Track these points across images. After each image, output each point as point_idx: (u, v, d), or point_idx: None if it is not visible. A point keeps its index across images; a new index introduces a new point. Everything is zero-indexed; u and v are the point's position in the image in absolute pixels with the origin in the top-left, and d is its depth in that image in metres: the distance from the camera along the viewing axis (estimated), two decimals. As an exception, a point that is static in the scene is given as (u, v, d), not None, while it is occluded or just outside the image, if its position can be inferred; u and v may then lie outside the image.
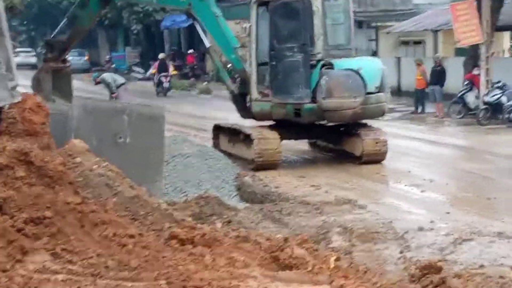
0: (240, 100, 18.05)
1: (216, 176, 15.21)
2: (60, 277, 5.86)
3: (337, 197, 13.05)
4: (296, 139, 18.66)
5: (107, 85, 30.65)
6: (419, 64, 29.30)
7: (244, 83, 17.73)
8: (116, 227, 7.30)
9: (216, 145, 18.66)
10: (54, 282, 5.71)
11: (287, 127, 17.31)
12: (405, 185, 14.51)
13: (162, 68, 41.39)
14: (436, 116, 27.27)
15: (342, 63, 16.82)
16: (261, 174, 15.47)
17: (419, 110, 28.79)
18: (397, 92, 35.90)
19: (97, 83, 33.26)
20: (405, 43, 39.33)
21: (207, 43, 17.93)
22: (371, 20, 40.86)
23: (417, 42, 38.63)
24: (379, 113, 17.41)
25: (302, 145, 19.75)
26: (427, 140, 21.40)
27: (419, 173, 15.65)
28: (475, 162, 17.47)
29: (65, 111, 11.85)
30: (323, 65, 16.77)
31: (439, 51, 35.05)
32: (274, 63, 16.90)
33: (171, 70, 46.03)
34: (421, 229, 10.88)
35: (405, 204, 12.91)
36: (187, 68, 52.62)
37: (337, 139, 18.18)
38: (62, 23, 19.17)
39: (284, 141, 18.47)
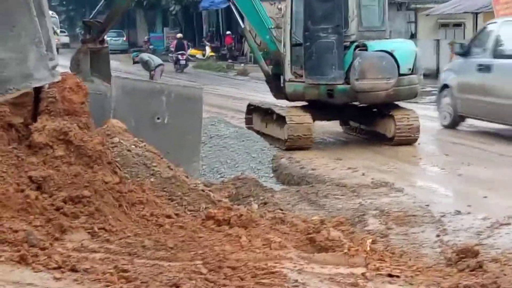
0: (274, 81, 18.13)
1: (253, 158, 15.27)
2: (98, 255, 5.92)
3: (374, 179, 13.01)
4: (328, 120, 18.72)
5: (145, 63, 30.67)
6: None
7: (278, 64, 17.81)
8: (153, 207, 7.36)
9: (249, 125, 18.81)
10: (92, 261, 5.77)
11: (319, 108, 17.39)
12: (442, 169, 14.43)
13: (180, 47, 45.88)
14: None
15: (375, 45, 16.87)
16: (297, 156, 15.47)
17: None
18: (436, 74, 35.64)
19: (135, 62, 33.50)
20: (445, 25, 38.98)
21: (242, 24, 18.01)
22: (410, 2, 40.55)
23: (457, 25, 38.26)
24: (411, 95, 17.39)
25: (339, 127, 19.71)
26: (465, 123, 21.23)
27: (456, 157, 15.55)
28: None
29: (104, 91, 11.94)
30: (356, 47, 16.85)
31: (479, 33, 34.69)
32: (308, 44, 16.93)
33: (209, 51, 46.41)
34: (458, 212, 10.82)
35: (442, 188, 12.84)
36: (225, 50, 52.67)
37: (369, 120, 18.25)
38: (100, 4, 19.22)
39: (321, 123, 18.64)
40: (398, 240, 9.34)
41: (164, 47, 58.05)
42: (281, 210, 9.80)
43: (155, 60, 30.60)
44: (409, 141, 16.98)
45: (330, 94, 16.92)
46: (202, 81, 35.52)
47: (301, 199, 11.74)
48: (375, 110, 17.85)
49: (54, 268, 5.43)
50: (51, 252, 5.70)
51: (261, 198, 11.59)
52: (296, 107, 17.64)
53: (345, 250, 7.03)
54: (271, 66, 18.36)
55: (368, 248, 7.56)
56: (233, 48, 52.44)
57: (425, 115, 22.56)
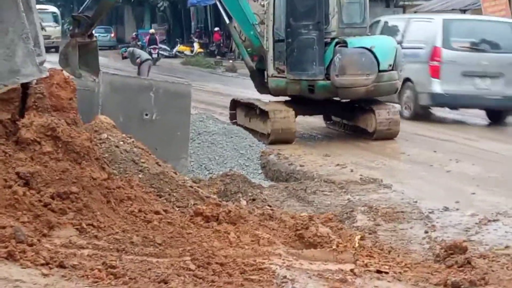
0: (258, 76, 18.37)
1: (241, 154, 15.26)
2: (86, 252, 5.91)
3: (362, 176, 13.02)
4: (310, 115, 18.99)
5: (133, 56, 30.52)
6: None
7: (262, 60, 18.06)
8: (141, 203, 7.34)
9: (233, 119, 18.96)
10: (80, 257, 5.76)
11: (302, 103, 17.67)
12: (431, 165, 14.46)
13: (152, 41, 48.29)
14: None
15: (355, 41, 17.09)
16: (286, 153, 15.47)
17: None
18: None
19: (124, 57, 33.51)
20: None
21: (227, 20, 18.18)
22: (399, -1, 40.64)
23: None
24: (391, 91, 17.69)
25: (326, 123, 19.77)
26: (453, 120, 21.29)
27: (444, 153, 15.57)
28: (502, 142, 17.37)
29: (92, 87, 11.90)
30: (337, 43, 17.07)
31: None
32: (289, 40, 17.22)
33: (197, 48, 46.56)
34: (446, 209, 10.84)
35: (430, 184, 12.86)
36: (213, 46, 52.63)
37: (350, 115, 18.51)
38: (86, 3, 19.28)
39: (308, 120, 18.99)
40: (386, 237, 9.35)
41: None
42: (270, 206, 9.79)
43: (143, 55, 30.55)
44: (390, 136, 17.27)
45: (311, 89, 17.17)
46: (190, 77, 35.42)
47: (289, 195, 11.74)
48: (356, 105, 18.10)
49: (42, 264, 5.41)
50: (39, 248, 5.68)
51: (250, 194, 11.58)
52: (279, 102, 17.88)
53: (334, 247, 7.04)
54: (255, 61, 18.62)
55: (357, 245, 7.58)
56: (221, 44, 52.38)
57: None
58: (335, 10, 17.27)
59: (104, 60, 29.66)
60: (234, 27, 18.34)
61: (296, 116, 17.30)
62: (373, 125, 17.21)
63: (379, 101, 17.74)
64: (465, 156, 15.31)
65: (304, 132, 18.73)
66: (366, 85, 16.76)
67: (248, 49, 18.70)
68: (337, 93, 17.15)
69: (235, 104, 19.27)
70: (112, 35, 65.76)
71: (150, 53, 43.59)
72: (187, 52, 51.63)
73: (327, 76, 16.93)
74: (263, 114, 17.32)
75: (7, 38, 7.21)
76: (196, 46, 51.96)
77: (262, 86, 18.33)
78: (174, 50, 53.21)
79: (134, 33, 61.33)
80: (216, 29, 52.42)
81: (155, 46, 47.33)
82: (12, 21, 7.22)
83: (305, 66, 17.10)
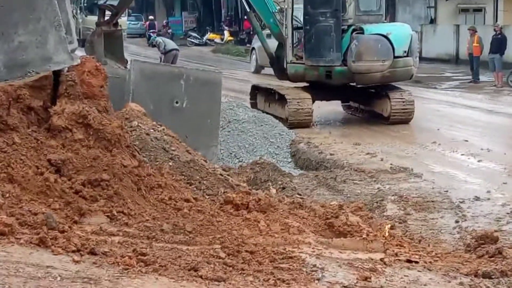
0: (277, 62, 18.94)
1: (271, 143, 15.26)
2: (116, 239, 5.93)
3: (392, 165, 12.98)
4: (328, 100, 19.43)
5: (158, 46, 30.30)
6: (473, 31, 28.96)
7: (281, 46, 18.55)
8: (171, 191, 7.35)
9: (253, 104, 19.41)
10: (110, 244, 5.78)
11: (319, 88, 18.24)
12: (462, 154, 14.37)
13: (151, 26, 54.79)
14: (495, 85, 26.84)
15: (372, 28, 17.76)
16: (316, 141, 15.45)
17: (475, 77, 28.39)
18: (455, 60, 35.45)
19: (153, 46, 33.46)
20: (465, 10, 38.65)
21: (247, 8, 18.50)
22: (430, -13, 40.26)
23: (477, 10, 37.94)
24: (406, 76, 18.28)
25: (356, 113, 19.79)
26: (485, 109, 21.13)
27: (476, 143, 15.47)
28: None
29: (123, 75, 11.94)
30: (353, 30, 17.70)
31: (499, 19, 34.43)
32: (308, 27, 17.86)
33: (227, 36, 46.60)
34: (477, 198, 10.78)
35: (461, 174, 12.78)
36: (244, 34, 52.52)
37: (366, 100, 19.09)
38: None
39: (337, 108, 19.61)
40: (416, 226, 9.32)
41: (182, 32, 57.87)
42: (300, 195, 9.80)
43: (168, 44, 29.83)
44: (404, 120, 17.82)
45: (329, 75, 17.76)
46: (220, 65, 35.45)
47: (319, 184, 11.72)
48: (372, 90, 18.65)
49: (73, 251, 5.44)
50: (70, 235, 5.71)
51: (280, 183, 11.58)
52: (297, 87, 18.48)
53: (364, 236, 7.02)
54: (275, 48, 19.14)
55: (387, 234, 7.55)
56: (251, 32, 52.27)
57: (446, 101, 22.55)
58: None
59: (135, 47, 29.75)
60: (254, 15, 18.67)
61: (313, 102, 17.91)
62: (388, 110, 17.76)
63: (394, 86, 18.29)
64: (496, 145, 15.20)
65: (332, 120, 18.81)
66: (381, 71, 17.41)
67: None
68: (354, 78, 17.79)
69: (255, 90, 19.81)
70: (143, 22, 65.77)
71: (150, 36, 45.40)
72: (217, 40, 51.59)
73: (344, 62, 17.57)
74: (282, 99, 17.91)
75: (39, 25, 7.25)
76: (226, 34, 51.88)
77: (281, 72, 18.95)
78: (205, 38, 53.15)
79: (164, 21, 61.32)
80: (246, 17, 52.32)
81: (154, 30, 51.54)
82: (44, 8, 7.26)
83: (322, 52, 17.70)
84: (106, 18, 17.29)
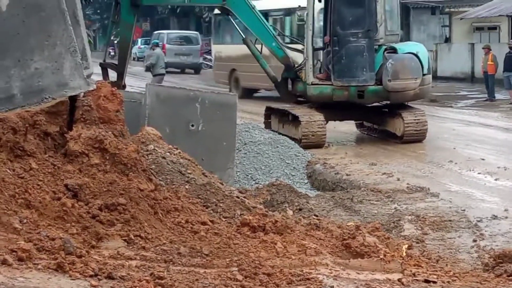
0: (284, 86, 18.91)
1: (287, 164, 15.26)
2: (133, 263, 5.95)
3: (409, 184, 12.95)
4: (341, 120, 19.53)
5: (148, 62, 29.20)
6: (487, 49, 29.01)
7: (288, 69, 18.51)
8: (188, 214, 7.37)
9: (267, 125, 19.41)
10: (128, 268, 5.80)
11: (332, 109, 18.30)
12: (479, 173, 14.32)
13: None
14: (510, 103, 26.78)
15: (403, 47, 18.16)
16: (332, 162, 15.45)
17: (490, 96, 28.35)
18: (471, 79, 35.41)
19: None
20: (479, 29, 38.66)
21: (243, 34, 18.49)
22: (445, 6, 40.27)
23: (492, 28, 37.93)
24: (427, 94, 19.02)
25: (371, 133, 19.79)
26: (501, 127, 21.07)
27: (493, 161, 15.42)
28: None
29: (138, 99, 12.00)
30: (385, 50, 17.85)
31: (514, 37, 34.41)
32: (336, 48, 17.75)
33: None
34: (495, 217, 10.74)
35: (478, 192, 12.74)
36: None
37: (379, 120, 19.12)
38: (106, 48, 19.74)
39: (352, 128, 19.85)
40: (434, 246, 9.29)
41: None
42: (316, 216, 9.78)
43: (156, 69, 28.32)
44: (418, 139, 17.88)
45: (361, 95, 17.74)
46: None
47: (336, 204, 11.71)
48: (385, 110, 18.77)
49: (91, 276, 5.46)
50: (87, 259, 5.73)
51: (296, 204, 11.58)
52: (310, 108, 18.41)
53: (381, 256, 7.01)
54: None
55: (404, 254, 7.53)
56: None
57: (462, 120, 22.53)
58: (383, 18, 18.08)
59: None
60: (251, 40, 18.65)
61: (326, 122, 17.99)
62: (401, 129, 17.82)
63: (407, 105, 18.41)
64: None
65: (348, 141, 18.84)
66: (414, 89, 17.66)
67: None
68: (388, 97, 17.87)
69: (269, 111, 19.85)
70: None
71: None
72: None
73: (377, 82, 17.60)
74: (295, 120, 17.94)
75: (55, 51, 7.32)
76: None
77: (288, 94, 19.02)
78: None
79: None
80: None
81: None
82: (59, 34, 7.32)
83: (354, 72, 17.70)
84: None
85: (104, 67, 17.86)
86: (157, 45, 31.44)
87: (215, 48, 34.56)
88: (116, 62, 18.15)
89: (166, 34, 47.51)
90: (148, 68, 29.14)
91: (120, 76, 17.32)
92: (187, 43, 45.80)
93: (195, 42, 47.58)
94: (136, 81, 30.54)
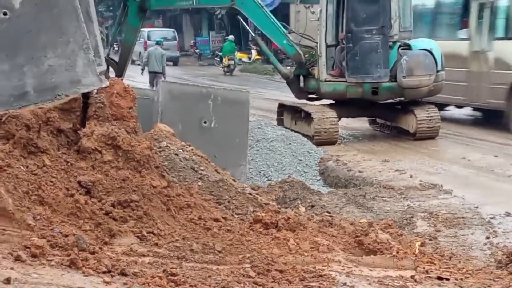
0: (296, 83, 18.95)
1: (300, 161, 15.26)
2: (146, 259, 5.96)
3: (422, 181, 12.92)
4: (353, 117, 19.53)
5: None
6: None
7: (300, 66, 18.53)
8: (201, 211, 7.38)
9: (279, 122, 19.50)
10: (141, 265, 5.81)
11: (345, 105, 18.31)
12: (492, 170, 14.28)
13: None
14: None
15: (418, 44, 18.11)
16: (345, 159, 15.43)
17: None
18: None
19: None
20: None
21: (252, 33, 18.47)
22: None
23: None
24: (440, 90, 18.54)
25: (384, 130, 19.75)
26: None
27: (506, 158, 15.38)
28: None
29: (151, 96, 12.01)
30: (399, 46, 17.84)
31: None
32: (350, 45, 17.71)
33: (255, 55, 46.70)
34: (508, 214, 10.71)
35: (491, 189, 12.70)
36: (271, 53, 52.50)
37: (392, 117, 19.10)
38: (108, 49, 19.68)
39: (365, 125, 19.82)
40: (447, 243, 9.27)
41: (210, 51, 58.05)
42: (329, 213, 9.78)
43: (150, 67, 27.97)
44: (430, 136, 17.86)
45: (375, 91, 17.74)
46: (248, 84, 35.52)
47: (348, 201, 11.70)
48: (398, 107, 18.74)
49: (104, 272, 5.48)
50: (100, 256, 5.75)
51: (309, 201, 11.57)
52: (322, 105, 18.51)
53: (394, 253, 7.00)
54: (291, 68, 19.30)
55: (417, 251, 7.53)
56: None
57: (474, 115, 22.45)
58: (397, 14, 18.11)
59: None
60: (261, 39, 18.68)
61: (339, 119, 17.99)
62: (414, 126, 17.81)
63: (419, 102, 18.39)
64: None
65: (361, 138, 18.80)
66: (428, 85, 17.71)
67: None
68: (403, 93, 17.84)
69: (282, 108, 19.91)
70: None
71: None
72: (245, 59, 51.68)
73: (391, 78, 17.59)
74: (308, 117, 17.96)
75: (68, 48, 7.33)
76: (253, 53, 51.95)
77: (300, 91, 19.01)
78: (233, 57, 53.30)
79: (192, 41, 61.57)
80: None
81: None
82: (72, 31, 7.34)
83: (368, 69, 17.68)
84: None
85: (107, 63, 17.83)
86: (158, 43, 31.39)
87: None
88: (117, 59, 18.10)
89: (147, 32, 51.88)
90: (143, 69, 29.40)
91: (120, 73, 17.30)
92: (165, 39, 49.76)
93: (172, 39, 54.17)
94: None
